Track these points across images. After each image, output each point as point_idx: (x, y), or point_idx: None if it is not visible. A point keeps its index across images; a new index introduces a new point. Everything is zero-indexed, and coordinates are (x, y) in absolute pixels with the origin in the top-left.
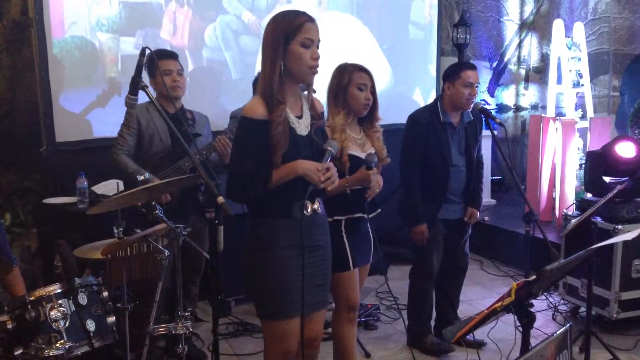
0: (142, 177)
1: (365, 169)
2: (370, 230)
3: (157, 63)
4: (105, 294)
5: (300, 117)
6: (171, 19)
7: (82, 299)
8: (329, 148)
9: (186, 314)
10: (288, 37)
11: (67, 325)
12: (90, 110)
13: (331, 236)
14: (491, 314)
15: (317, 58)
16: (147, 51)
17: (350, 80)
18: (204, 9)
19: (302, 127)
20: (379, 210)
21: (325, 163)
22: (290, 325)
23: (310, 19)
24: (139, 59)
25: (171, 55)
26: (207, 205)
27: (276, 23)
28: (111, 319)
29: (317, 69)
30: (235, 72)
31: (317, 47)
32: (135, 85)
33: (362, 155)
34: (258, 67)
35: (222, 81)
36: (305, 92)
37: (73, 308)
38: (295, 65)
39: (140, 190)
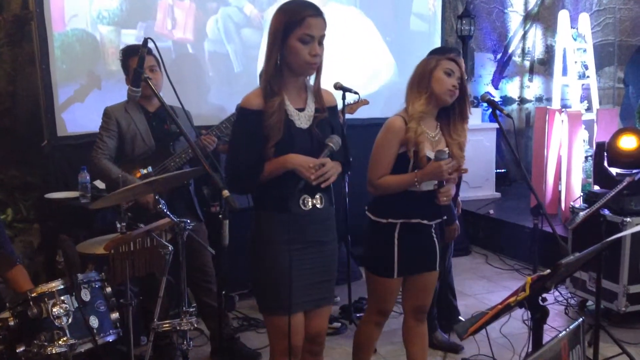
0: (144, 171)
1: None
2: (434, 236)
3: (129, 61)
4: (109, 289)
5: (302, 109)
6: (172, 11)
7: (85, 295)
8: (330, 144)
9: (191, 309)
10: (287, 30)
11: (69, 322)
12: (91, 103)
13: (381, 238)
14: (505, 309)
15: (315, 55)
16: (150, 42)
17: (438, 64)
18: (205, 1)
19: (303, 120)
20: (445, 217)
21: (321, 159)
22: (294, 321)
23: (315, 14)
24: (140, 49)
25: (137, 51)
26: (212, 199)
27: (280, 13)
28: (115, 315)
29: (317, 65)
30: (237, 64)
31: (321, 42)
32: (138, 77)
33: (431, 155)
34: (261, 60)
35: (225, 74)
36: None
37: (76, 304)
38: (292, 59)
39: (143, 184)
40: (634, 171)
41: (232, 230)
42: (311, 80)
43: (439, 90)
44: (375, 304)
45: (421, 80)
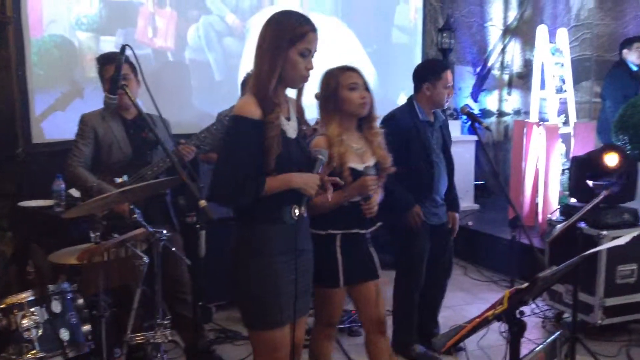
0: (120, 180)
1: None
2: (370, 246)
3: (104, 69)
4: (81, 301)
5: (288, 119)
6: (153, 19)
7: (56, 306)
8: (320, 157)
9: (165, 321)
10: (291, 42)
11: (39, 334)
12: (68, 110)
13: (323, 250)
14: (483, 323)
15: (310, 69)
16: (127, 49)
17: (338, 83)
18: (186, 9)
19: (291, 129)
20: (380, 223)
21: (320, 174)
22: (282, 334)
23: (314, 29)
24: (118, 57)
25: (113, 59)
26: (188, 209)
27: (280, 25)
28: (87, 328)
29: (308, 78)
30: (218, 73)
31: (313, 57)
32: (115, 84)
33: (360, 168)
34: (242, 69)
35: (206, 82)
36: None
37: (46, 316)
38: (290, 72)
39: (118, 193)
40: (607, 183)
41: (210, 241)
42: (290, 90)
43: (350, 108)
44: (323, 317)
45: (327, 103)
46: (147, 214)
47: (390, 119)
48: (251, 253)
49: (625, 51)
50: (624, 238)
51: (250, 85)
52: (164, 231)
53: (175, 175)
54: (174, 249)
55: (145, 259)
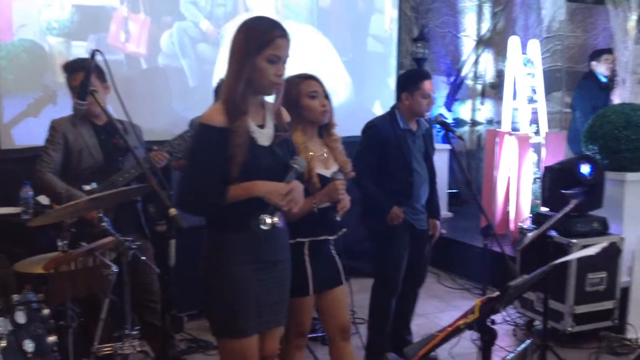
0: (88, 187)
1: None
2: (334, 252)
3: (71, 77)
4: (47, 311)
5: (262, 126)
6: (125, 24)
7: (20, 317)
8: (295, 166)
9: (134, 332)
10: (258, 49)
11: (2, 346)
12: (38, 116)
13: (292, 258)
14: (454, 332)
15: (280, 75)
16: (98, 54)
17: (299, 91)
18: (159, 14)
19: (264, 137)
20: (345, 229)
21: (289, 184)
22: (248, 344)
23: (283, 35)
24: (87, 63)
25: (81, 67)
26: (158, 218)
27: (248, 31)
28: (52, 339)
29: (280, 85)
30: (192, 79)
31: (285, 62)
32: (84, 90)
33: (327, 174)
34: (216, 75)
35: (179, 88)
36: (270, 101)
37: (10, 327)
38: (258, 79)
39: (87, 201)
40: (576, 192)
41: (182, 249)
42: (270, 97)
43: (312, 116)
44: (294, 327)
45: (289, 111)
46: (117, 222)
47: (371, 127)
48: (219, 261)
49: (593, 63)
50: (594, 248)
51: (222, 92)
52: (134, 239)
53: (146, 183)
54: (143, 257)
55: (114, 268)
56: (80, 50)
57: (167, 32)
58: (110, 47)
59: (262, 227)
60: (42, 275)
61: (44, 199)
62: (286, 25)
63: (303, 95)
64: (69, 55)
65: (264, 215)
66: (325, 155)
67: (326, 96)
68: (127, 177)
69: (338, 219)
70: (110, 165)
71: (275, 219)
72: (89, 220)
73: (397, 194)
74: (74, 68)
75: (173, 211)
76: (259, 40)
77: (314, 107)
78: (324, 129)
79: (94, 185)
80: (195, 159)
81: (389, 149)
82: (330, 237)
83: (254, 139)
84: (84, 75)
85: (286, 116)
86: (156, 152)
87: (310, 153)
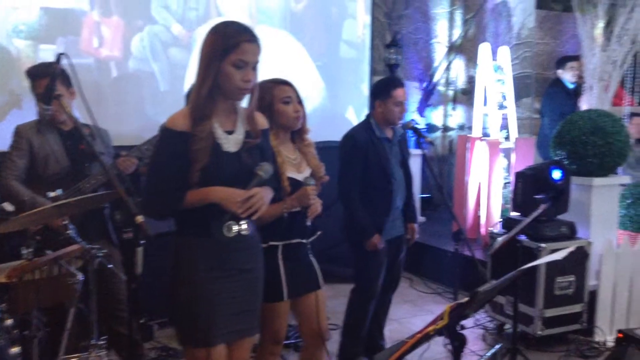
0: (53, 194)
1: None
2: (311, 255)
3: (35, 83)
4: (10, 321)
5: (231, 132)
6: (95, 27)
7: None
8: (260, 172)
9: (100, 342)
10: (223, 53)
11: None
12: (3, 120)
13: (266, 263)
14: (424, 338)
15: (248, 80)
16: (64, 58)
17: (273, 96)
18: (130, 18)
19: (231, 143)
20: (319, 232)
21: (250, 191)
22: (216, 353)
23: (250, 40)
24: (53, 66)
25: (45, 73)
26: (125, 225)
27: (215, 35)
28: (16, 350)
29: (248, 91)
30: (163, 83)
31: (254, 68)
32: (49, 95)
33: (300, 177)
34: (188, 80)
35: (150, 93)
36: (242, 107)
37: None
38: (224, 84)
39: (51, 208)
40: (544, 197)
41: (152, 256)
42: (243, 103)
43: (285, 122)
44: (269, 333)
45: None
46: (83, 229)
47: (348, 138)
48: (182, 268)
49: (559, 71)
50: (561, 253)
51: (186, 95)
52: (101, 247)
53: (113, 189)
54: (110, 265)
55: (80, 277)
56: (48, 54)
57: (138, 36)
58: (81, 51)
59: (227, 234)
60: (5, 285)
61: (8, 206)
62: (259, 29)
63: (276, 100)
64: (36, 58)
65: (230, 222)
66: (298, 160)
67: (299, 102)
68: (94, 184)
69: (308, 223)
70: (77, 172)
71: (243, 226)
72: (54, 228)
73: (377, 201)
74: (37, 74)
75: (139, 218)
76: (226, 44)
77: (287, 112)
78: (297, 134)
79: (58, 192)
80: (155, 163)
81: (367, 157)
82: (304, 241)
83: (219, 145)
84: (48, 80)
85: (262, 122)
86: (124, 158)
87: (282, 157)
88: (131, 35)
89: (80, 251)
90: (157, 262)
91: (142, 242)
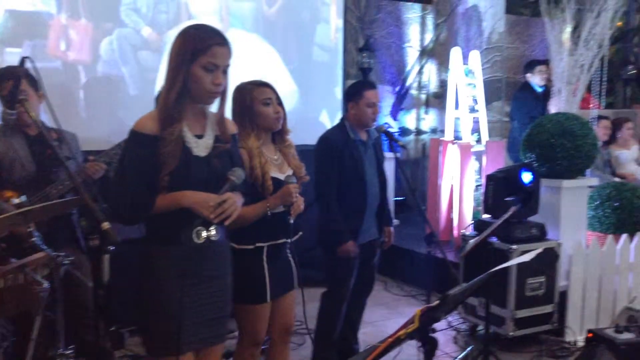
0: (17, 200)
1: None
2: (290, 255)
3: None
4: None
5: (200, 136)
6: (62, 30)
7: None
8: (232, 178)
9: (67, 352)
10: (193, 56)
11: None
12: None
13: (248, 265)
14: (395, 342)
15: (218, 84)
16: (28, 61)
17: (253, 98)
18: (99, 21)
19: (201, 147)
20: (301, 233)
21: (222, 196)
22: None
23: (221, 43)
24: (17, 70)
25: (9, 76)
26: (91, 232)
27: (185, 38)
28: None
29: (218, 94)
30: (133, 87)
31: (225, 71)
32: (13, 98)
33: (282, 177)
34: (158, 83)
35: (120, 96)
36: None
37: None
38: (194, 87)
39: (15, 215)
40: (515, 199)
41: (124, 262)
42: (213, 107)
43: (265, 123)
44: (249, 335)
45: (243, 117)
46: (51, 236)
47: (323, 140)
48: (149, 275)
49: (528, 75)
50: (529, 255)
51: (159, 100)
52: (68, 254)
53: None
54: (77, 272)
55: (46, 285)
56: (14, 57)
57: (107, 39)
58: (48, 54)
59: (196, 240)
60: None
61: None
62: (231, 33)
63: (257, 102)
64: (2, 62)
65: (199, 228)
66: (279, 160)
67: (279, 103)
68: (62, 189)
69: (291, 221)
70: (44, 177)
71: (212, 232)
72: (19, 235)
73: (351, 204)
74: (1, 77)
75: (106, 225)
76: (196, 47)
77: (267, 113)
78: (278, 135)
79: (22, 198)
80: (123, 167)
81: (342, 160)
82: (288, 240)
83: (189, 149)
84: (12, 83)
85: (232, 127)
86: (92, 163)
87: (265, 157)
88: (100, 38)
89: (46, 259)
90: (128, 269)
91: (111, 248)
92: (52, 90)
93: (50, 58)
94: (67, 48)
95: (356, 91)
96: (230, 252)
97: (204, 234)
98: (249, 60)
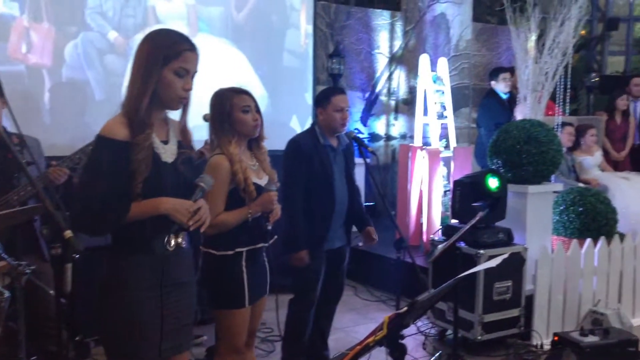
0: None
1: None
2: (265, 260)
3: None
4: None
5: (166, 142)
6: (24, 33)
7: None
8: (201, 184)
9: None
10: (165, 61)
11: None
12: None
13: (227, 271)
14: (364, 350)
15: (188, 89)
16: None
17: (232, 105)
18: (63, 24)
19: (168, 153)
20: (276, 237)
21: (197, 202)
22: None
23: (192, 48)
24: None
25: None
26: (52, 241)
27: (155, 42)
28: None
29: (187, 100)
30: (98, 92)
31: (193, 77)
32: None
33: (261, 183)
34: (125, 88)
35: (85, 101)
36: (172, 118)
37: None
38: (165, 92)
39: None
40: (481, 204)
41: (89, 271)
42: (173, 114)
43: (244, 130)
44: (230, 341)
45: (223, 124)
46: (12, 244)
47: (292, 143)
48: (118, 286)
49: (493, 82)
50: (495, 260)
51: (123, 104)
52: (30, 263)
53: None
54: (38, 282)
55: (7, 295)
56: None
57: (72, 43)
58: (10, 58)
59: (168, 247)
60: None
61: None
62: (199, 38)
63: (236, 109)
64: None
65: (169, 236)
66: (256, 166)
67: (257, 110)
68: (23, 195)
69: (269, 227)
70: (5, 183)
71: (180, 239)
72: None
73: (318, 209)
74: None
75: (68, 233)
76: (167, 52)
77: (246, 121)
78: (254, 142)
79: None
80: (93, 174)
81: (311, 165)
82: (266, 244)
83: (158, 155)
84: None
85: (189, 134)
86: (55, 168)
87: (245, 164)
88: (65, 42)
89: (7, 268)
90: (94, 277)
91: (76, 256)
92: (15, 95)
93: (11, 61)
94: (28, 51)
95: (324, 97)
96: (192, 259)
97: (173, 241)
98: (218, 66)
